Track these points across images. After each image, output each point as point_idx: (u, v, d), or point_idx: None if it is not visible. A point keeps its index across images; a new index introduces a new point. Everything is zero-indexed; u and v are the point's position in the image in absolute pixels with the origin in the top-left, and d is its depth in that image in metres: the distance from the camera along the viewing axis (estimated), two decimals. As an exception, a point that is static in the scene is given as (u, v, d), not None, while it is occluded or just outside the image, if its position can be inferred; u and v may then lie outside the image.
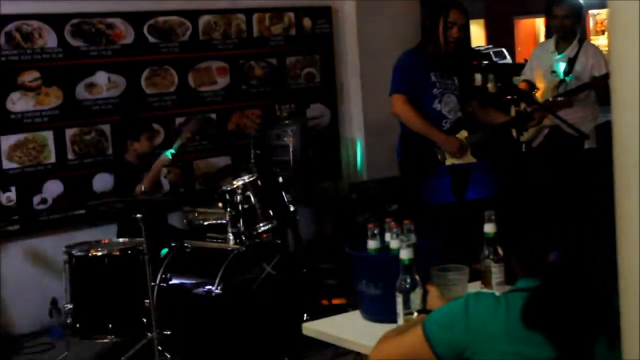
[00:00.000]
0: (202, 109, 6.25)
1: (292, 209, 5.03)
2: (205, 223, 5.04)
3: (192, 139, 6.06)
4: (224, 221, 4.77)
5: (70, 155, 5.68)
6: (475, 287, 2.79)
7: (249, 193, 4.74)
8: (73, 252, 4.66)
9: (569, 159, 5.40)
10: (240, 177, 4.86)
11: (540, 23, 25.03)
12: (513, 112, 5.36)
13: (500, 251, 2.69)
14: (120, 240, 4.97)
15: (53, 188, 5.62)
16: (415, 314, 2.43)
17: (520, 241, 2.09)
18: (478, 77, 4.55)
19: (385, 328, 2.33)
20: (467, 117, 4.94)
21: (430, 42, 4.81)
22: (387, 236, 2.77)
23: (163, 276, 4.63)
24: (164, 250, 4.81)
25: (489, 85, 4.37)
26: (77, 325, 4.60)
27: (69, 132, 5.67)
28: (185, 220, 5.29)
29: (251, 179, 4.81)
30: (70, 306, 4.60)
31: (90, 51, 5.74)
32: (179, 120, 6.07)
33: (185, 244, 4.82)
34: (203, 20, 6.26)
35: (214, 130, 6.29)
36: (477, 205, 3.09)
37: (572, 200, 2.12)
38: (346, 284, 4.91)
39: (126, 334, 4.60)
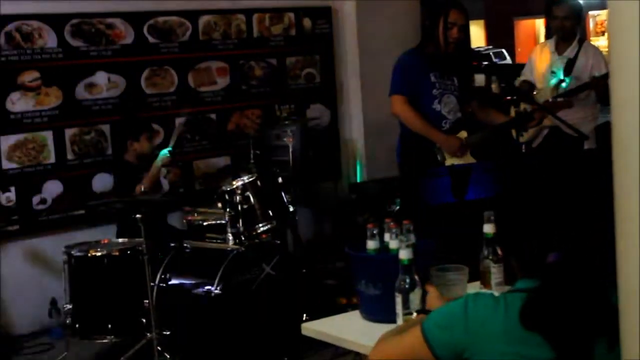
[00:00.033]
0: (202, 109, 6.26)
1: (291, 209, 5.03)
2: (205, 223, 5.04)
3: (191, 138, 6.07)
4: (223, 221, 4.77)
5: (69, 156, 5.68)
6: (474, 287, 2.79)
7: (248, 193, 4.74)
8: (72, 252, 4.66)
9: (569, 160, 5.39)
10: (240, 177, 4.85)
11: (540, 24, 25.02)
12: (513, 113, 5.36)
13: (499, 251, 2.69)
14: (120, 240, 4.96)
15: (53, 188, 5.62)
16: (415, 314, 2.43)
17: (519, 241, 2.09)
18: (482, 78, 4.55)
19: (384, 328, 2.33)
20: (467, 117, 4.94)
21: (430, 42, 4.81)
22: (387, 236, 2.77)
23: (162, 276, 4.63)
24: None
25: (493, 85, 4.37)
26: (77, 326, 4.59)
27: (69, 132, 5.67)
28: (184, 221, 5.29)
29: (251, 179, 4.80)
30: (69, 306, 4.59)
31: (90, 51, 5.74)
32: (178, 121, 6.07)
33: (185, 244, 4.82)
34: (203, 20, 6.26)
35: (207, 124, 6.28)
36: (477, 206, 3.09)
37: (571, 201, 2.12)
38: (346, 284, 4.91)
39: (126, 334, 4.60)
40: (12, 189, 5.46)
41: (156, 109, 6.00)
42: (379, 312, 2.69)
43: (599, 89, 5.37)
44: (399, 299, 2.50)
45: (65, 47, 5.63)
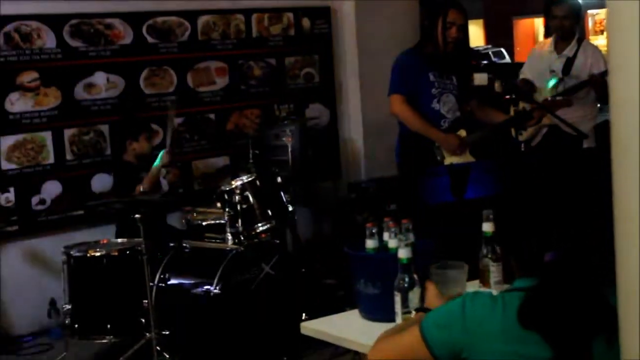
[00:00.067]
0: (201, 109, 6.25)
1: (290, 208, 5.03)
2: (204, 223, 5.04)
3: (190, 138, 6.06)
4: (222, 221, 4.77)
5: (68, 156, 5.67)
6: (473, 285, 2.79)
7: (247, 193, 4.74)
8: (72, 252, 4.65)
9: (568, 158, 5.40)
10: (239, 177, 4.85)
11: (539, 23, 25.02)
12: (512, 112, 5.36)
13: (498, 250, 2.69)
14: (119, 240, 4.96)
15: (52, 188, 5.61)
16: (414, 312, 2.43)
17: (519, 240, 2.09)
18: (485, 77, 4.54)
19: (383, 327, 2.33)
20: (466, 116, 4.94)
21: (429, 42, 4.81)
22: (386, 235, 2.77)
23: (161, 276, 4.62)
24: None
25: (496, 84, 4.38)
26: (76, 326, 4.59)
27: (68, 133, 5.66)
28: (184, 221, 5.29)
29: (250, 179, 4.80)
30: (68, 306, 4.59)
31: (89, 51, 5.73)
32: (177, 121, 6.06)
33: (184, 244, 4.81)
34: (202, 20, 6.26)
35: (206, 124, 6.27)
36: (476, 205, 3.09)
37: (570, 199, 2.12)
38: (345, 284, 4.91)
39: (125, 334, 4.60)
40: (11, 189, 5.46)
41: (155, 109, 6.00)
42: (378, 311, 2.69)
43: (597, 86, 5.37)
44: (398, 298, 2.50)
45: (64, 47, 5.62)
